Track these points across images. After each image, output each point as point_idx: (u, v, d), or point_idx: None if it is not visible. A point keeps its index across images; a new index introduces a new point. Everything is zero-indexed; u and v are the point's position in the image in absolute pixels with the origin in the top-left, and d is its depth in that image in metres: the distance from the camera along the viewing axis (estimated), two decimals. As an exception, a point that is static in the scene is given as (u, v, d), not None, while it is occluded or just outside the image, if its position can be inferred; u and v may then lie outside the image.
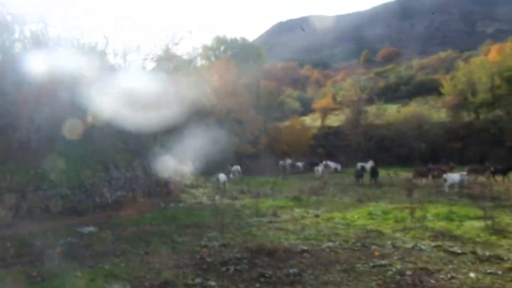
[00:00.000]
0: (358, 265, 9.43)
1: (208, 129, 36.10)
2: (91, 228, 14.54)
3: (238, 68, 44.50)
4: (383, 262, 9.57)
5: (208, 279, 8.32)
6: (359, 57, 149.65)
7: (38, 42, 17.50)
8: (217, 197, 22.93)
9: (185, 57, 32.05)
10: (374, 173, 28.61)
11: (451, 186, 22.98)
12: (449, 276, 8.53)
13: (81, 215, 17.31)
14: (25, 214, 15.99)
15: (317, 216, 17.30)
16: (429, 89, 70.30)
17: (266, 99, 49.03)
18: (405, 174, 32.70)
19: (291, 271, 8.76)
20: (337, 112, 52.31)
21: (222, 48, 46.16)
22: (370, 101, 50.60)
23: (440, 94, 52.75)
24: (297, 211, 18.68)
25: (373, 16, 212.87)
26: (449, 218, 15.27)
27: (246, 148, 41.77)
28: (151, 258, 10.34)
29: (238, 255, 10.44)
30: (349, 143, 46.61)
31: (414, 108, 48.17)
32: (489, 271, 8.86)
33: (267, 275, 8.51)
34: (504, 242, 11.84)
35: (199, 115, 35.03)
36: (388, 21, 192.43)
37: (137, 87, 21.64)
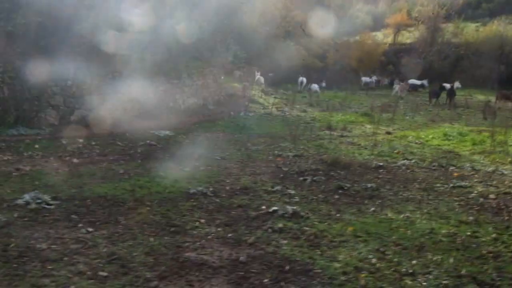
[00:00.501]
0: (438, 184, 9.12)
1: (277, 41, 35.42)
2: (167, 132, 14.85)
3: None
4: (463, 183, 9.19)
5: (287, 187, 8.33)
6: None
7: None
8: (286, 109, 22.83)
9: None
10: (451, 93, 27.30)
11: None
12: (536, 202, 8.09)
13: (156, 119, 17.74)
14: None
15: (388, 133, 16.91)
16: (514, 7, 64.92)
17: (336, 12, 46.81)
18: (481, 97, 31.17)
19: (369, 185, 8.60)
20: (411, 29, 49.50)
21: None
22: (448, 18, 47.35)
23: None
24: (368, 127, 18.35)
25: None
26: (532, 143, 14.44)
27: (314, 62, 40.83)
28: (228, 163, 10.48)
29: (313, 167, 10.37)
30: (421, 61, 44.41)
31: (496, 27, 44.70)
32: None
33: (345, 188, 8.41)
34: None
35: (268, 26, 34.13)
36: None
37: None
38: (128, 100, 17.25)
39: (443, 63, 43.65)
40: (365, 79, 39.59)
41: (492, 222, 6.79)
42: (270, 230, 6.02)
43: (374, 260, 5.14)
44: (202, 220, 6.33)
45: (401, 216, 6.88)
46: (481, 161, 12.03)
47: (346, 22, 45.87)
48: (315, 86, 29.92)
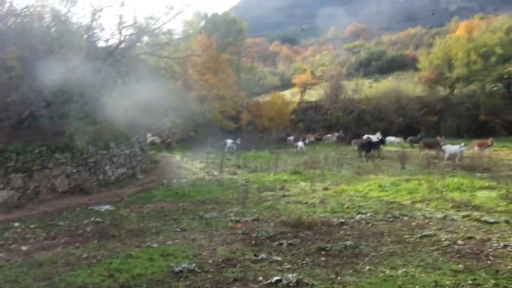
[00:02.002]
0: (406, 236, 9.38)
1: (191, 106, 35.55)
2: (108, 207, 14.06)
3: (219, 43, 43.81)
4: (427, 232, 9.54)
5: (271, 254, 8.11)
6: (326, 33, 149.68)
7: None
8: (215, 172, 22.65)
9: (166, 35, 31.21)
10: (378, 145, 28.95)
11: (450, 157, 23.38)
12: (501, 244, 8.56)
13: (87, 193, 16.83)
14: (32, 195, 15.39)
15: (326, 189, 17.30)
16: (400, 64, 71.38)
17: (246, 74, 48.49)
18: (390, 148, 33.16)
19: (347, 243, 8.64)
20: (316, 87, 52.37)
21: (202, 23, 45.16)
22: (348, 76, 50.89)
23: (414, 69, 53.62)
24: (303, 184, 18.63)
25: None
26: (459, 188, 15.45)
27: (229, 124, 41.40)
28: (192, 235, 10.03)
29: (279, 229, 10.25)
30: (328, 117, 46.82)
31: (391, 83, 48.66)
32: (536, 238, 8.94)
33: (326, 248, 8.37)
34: (526, 210, 12.06)
35: (181, 91, 34.29)
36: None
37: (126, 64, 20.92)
38: (56, 176, 16.28)
39: (348, 118, 46.31)
40: (289, 138, 41.01)
41: (481, 268, 7.06)
42: (285, 302, 5.76)
43: (407, 322, 5.07)
44: (210, 301, 5.92)
45: (399, 272, 6.93)
46: (426, 209, 12.60)
47: (255, 83, 47.53)
48: (229, 142, 31.68)
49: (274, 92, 47.90)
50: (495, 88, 45.84)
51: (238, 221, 11.46)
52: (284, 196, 15.85)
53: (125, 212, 13.36)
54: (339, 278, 6.77)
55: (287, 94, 51.86)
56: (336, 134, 41.09)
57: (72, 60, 17.62)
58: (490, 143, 27.11)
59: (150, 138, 29.86)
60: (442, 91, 48.37)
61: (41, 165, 15.76)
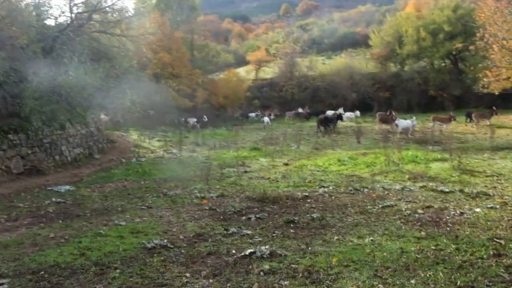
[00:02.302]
0: (368, 207, 9.71)
1: (146, 84, 34.93)
2: (67, 187, 13.74)
3: (172, 21, 43.07)
4: (388, 203, 9.91)
5: (241, 228, 8.22)
6: (278, 11, 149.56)
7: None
8: (175, 150, 22.51)
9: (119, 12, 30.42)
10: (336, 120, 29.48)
11: (403, 131, 24.10)
12: (458, 212, 9.01)
13: (43, 174, 16.39)
14: (-14, 176, 14.86)
15: (286, 164, 17.57)
16: (352, 41, 72.34)
17: (200, 52, 47.97)
18: (345, 123, 33.81)
19: (314, 215, 8.86)
20: (271, 65, 52.48)
21: (154, 0, 44.14)
22: (302, 53, 51.23)
23: (365, 46, 54.55)
24: (264, 161, 18.83)
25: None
26: (414, 161, 16.06)
27: (184, 102, 40.98)
28: (159, 212, 10.00)
29: (245, 205, 10.38)
30: (283, 94, 47.14)
31: (344, 59, 49.36)
32: (489, 205, 9.46)
33: (295, 221, 8.56)
34: (477, 180, 12.70)
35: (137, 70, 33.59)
36: None
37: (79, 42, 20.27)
38: (10, 157, 15.77)
39: (303, 94, 46.82)
40: (251, 114, 41.29)
41: (442, 234, 7.43)
42: (262, 273, 5.90)
43: (381, 286, 5.31)
44: (187, 274, 5.97)
45: (366, 240, 7.20)
46: (385, 181, 13.08)
47: (210, 61, 47.15)
48: (192, 120, 31.69)
49: (229, 69, 47.71)
50: (443, 64, 47.37)
51: (203, 198, 11.50)
52: (245, 172, 15.98)
53: (86, 192, 13.12)
54: (309, 248, 6.96)
55: (242, 71, 51.80)
56: (300, 110, 41.41)
57: (22, 39, 16.94)
58: (451, 119, 28.05)
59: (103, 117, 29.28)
60: (393, 68, 49.61)
61: (-6, 147, 15.22)
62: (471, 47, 35.23)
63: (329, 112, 34.35)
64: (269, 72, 52.49)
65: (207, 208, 10.22)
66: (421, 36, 44.26)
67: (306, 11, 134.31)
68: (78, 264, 6.55)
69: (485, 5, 32.06)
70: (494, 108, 30.57)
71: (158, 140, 26.52)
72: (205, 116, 36.43)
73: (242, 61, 59.53)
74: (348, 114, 36.90)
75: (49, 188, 13.67)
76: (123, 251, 7.13)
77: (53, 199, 11.82)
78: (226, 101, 44.34)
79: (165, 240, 7.53)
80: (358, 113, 37.97)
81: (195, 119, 34.48)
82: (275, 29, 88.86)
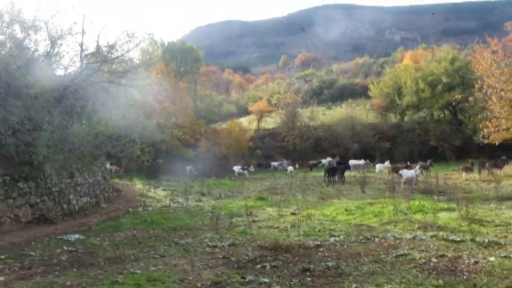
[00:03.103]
0: (382, 255, 9.77)
1: (152, 133, 35.31)
2: (77, 236, 13.75)
3: (176, 72, 44.09)
4: (401, 252, 9.97)
5: (257, 276, 8.26)
6: (277, 62, 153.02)
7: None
8: (180, 200, 22.56)
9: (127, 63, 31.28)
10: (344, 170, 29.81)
11: (407, 181, 24.24)
12: (472, 261, 9.06)
13: (52, 223, 16.40)
14: (-5, 225, 14.85)
15: (293, 214, 17.59)
16: (351, 92, 73.72)
17: (203, 102, 48.77)
18: (347, 173, 33.94)
19: (329, 264, 8.92)
20: (273, 115, 53.24)
21: (159, 51, 45.33)
22: (303, 103, 52.14)
23: (365, 96, 55.58)
24: (270, 210, 18.88)
25: (290, 22, 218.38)
26: (422, 211, 16.13)
27: (188, 151, 41.30)
28: (173, 261, 10.02)
29: (257, 253, 10.42)
30: (285, 144, 47.57)
31: (345, 110, 50.12)
32: (502, 255, 9.51)
33: (311, 269, 8.60)
34: (487, 229, 12.75)
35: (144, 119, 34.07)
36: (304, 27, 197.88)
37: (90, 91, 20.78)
38: (19, 205, 15.83)
39: (305, 144, 47.21)
40: (273, 163, 42.00)
41: (460, 283, 7.49)
42: (288, 321, 5.94)
43: (406, 333, 5.35)
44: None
45: (384, 289, 7.25)
46: (394, 230, 13.12)
47: (212, 111, 47.86)
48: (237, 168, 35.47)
49: (231, 119, 48.38)
50: (442, 115, 48.13)
51: (215, 246, 11.53)
52: (254, 221, 16.00)
53: (96, 240, 13.12)
54: (329, 296, 7.01)
55: (244, 121, 52.49)
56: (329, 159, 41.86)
57: (35, 88, 17.36)
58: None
59: (109, 167, 29.48)
60: (394, 118, 50.36)
61: (4, 195, 15.28)
62: (470, 98, 36.02)
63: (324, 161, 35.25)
64: (270, 122, 53.21)
65: (220, 256, 10.25)
66: (420, 87, 45.20)
67: (305, 63, 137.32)
68: (98, 313, 6.59)
69: (482, 58, 33.05)
70: (504, 158, 30.85)
71: (163, 189, 26.61)
72: (200, 164, 37.34)
73: (243, 111, 60.38)
74: (354, 162, 37.23)
75: (59, 237, 13.66)
76: (142, 299, 7.17)
77: (65, 248, 11.83)
78: (229, 150, 44.65)
79: (184, 289, 7.58)
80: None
81: (190, 167, 35.76)
82: (275, 80, 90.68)
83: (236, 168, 36.40)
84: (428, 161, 31.03)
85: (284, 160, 42.67)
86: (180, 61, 46.18)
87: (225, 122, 49.46)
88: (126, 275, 8.71)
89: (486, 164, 29.57)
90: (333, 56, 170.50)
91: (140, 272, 8.91)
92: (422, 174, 29.22)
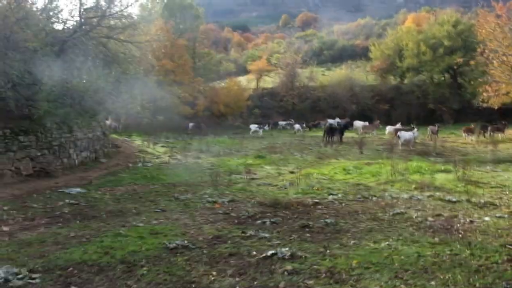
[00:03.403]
0: (379, 214, 9.94)
1: (152, 90, 35.20)
2: (78, 189, 13.89)
3: (175, 29, 43.52)
4: (398, 210, 10.14)
5: (258, 231, 8.42)
6: (277, 22, 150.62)
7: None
8: (179, 156, 22.70)
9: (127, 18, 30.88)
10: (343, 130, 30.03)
11: (405, 143, 24.39)
12: (468, 220, 9.24)
13: (52, 176, 16.53)
14: (-5, 177, 14.99)
15: (292, 172, 17.75)
16: (351, 54, 73.02)
17: (202, 60, 48.32)
18: (350, 134, 34.11)
19: (328, 221, 9.08)
20: (272, 74, 52.91)
21: (158, 7, 44.53)
22: (303, 63, 51.75)
23: (365, 58, 55.14)
24: (269, 168, 19.03)
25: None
26: (419, 172, 16.31)
27: (186, 109, 41.21)
28: (174, 215, 10.18)
29: (257, 209, 10.59)
30: (284, 104, 47.47)
31: (345, 71, 49.82)
32: (497, 215, 9.70)
33: (310, 225, 8.77)
34: (482, 191, 12.93)
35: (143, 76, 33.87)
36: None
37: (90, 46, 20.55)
38: (20, 159, 15.93)
39: (303, 105, 47.14)
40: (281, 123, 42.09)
41: (455, 241, 7.65)
42: (286, 273, 6.11)
43: (403, 286, 5.53)
44: (213, 273, 6.18)
45: (382, 245, 7.43)
46: (392, 190, 13.30)
47: (211, 70, 47.52)
48: (254, 126, 36.63)
49: (230, 78, 48.08)
50: (442, 79, 47.94)
51: (215, 202, 11.69)
52: (252, 179, 16.16)
53: (97, 194, 13.27)
54: (328, 251, 7.17)
55: (243, 80, 52.15)
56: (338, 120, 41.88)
57: (34, 42, 17.16)
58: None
59: (108, 122, 29.46)
60: (393, 80, 50.15)
61: (4, 148, 15.36)
62: (471, 62, 35.81)
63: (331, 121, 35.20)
64: (269, 82, 52.92)
65: (220, 212, 10.42)
66: (422, 50, 44.81)
67: (306, 23, 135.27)
68: (104, 262, 6.74)
69: (485, 21, 32.67)
70: (504, 122, 30.93)
71: (162, 146, 26.68)
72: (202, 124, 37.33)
73: (242, 70, 59.93)
74: (359, 123, 37.46)
75: (60, 190, 13.81)
76: (145, 250, 7.32)
77: (66, 201, 11.97)
78: (227, 109, 44.60)
79: (186, 241, 7.73)
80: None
81: (192, 124, 35.95)
82: (275, 40, 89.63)
83: (253, 127, 36.52)
84: (436, 125, 31.05)
85: (292, 120, 42.54)
86: (179, 18, 45.50)
87: (224, 81, 49.11)
88: (129, 228, 8.87)
89: (489, 127, 29.71)
90: (334, 17, 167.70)
91: (142, 225, 9.08)
92: (431, 138, 29.36)
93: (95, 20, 22.03)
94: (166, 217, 9.99)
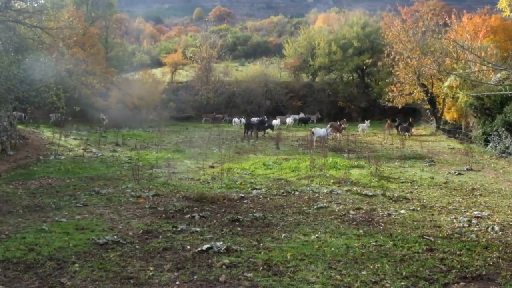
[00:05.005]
0: (304, 207, 10.27)
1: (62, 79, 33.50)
2: (-14, 183, 12.97)
3: (87, 16, 41.68)
4: (321, 204, 10.53)
5: (189, 225, 8.37)
6: (191, 14, 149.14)
7: None
8: (94, 150, 21.83)
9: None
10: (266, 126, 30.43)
11: (318, 139, 25.23)
12: (386, 213, 9.82)
13: (-46, 169, 15.29)
14: None
15: (212, 167, 17.77)
16: (264, 50, 74.06)
17: (115, 50, 46.59)
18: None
19: (256, 215, 9.23)
20: (187, 68, 52.30)
21: (69, -7, 42.28)
22: (219, 58, 51.75)
23: (279, 55, 56.21)
24: (188, 163, 18.87)
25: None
26: (335, 167, 16.95)
27: (98, 100, 39.61)
28: (97, 210, 9.83)
29: (184, 204, 10.51)
30: (199, 98, 47.11)
31: (259, 67, 50.39)
32: (411, 208, 10.40)
33: (240, 219, 8.86)
34: (394, 185, 13.76)
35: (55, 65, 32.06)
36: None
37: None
38: None
39: (218, 99, 47.12)
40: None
41: (378, 232, 8.14)
42: (224, 266, 6.15)
43: (338, 277, 5.79)
44: (150, 268, 6.08)
45: (312, 237, 7.71)
46: (312, 185, 13.72)
47: (125, 61, 46.09)
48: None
49: (144, 70, 46.79)
50: (351, 78, 50.14)
51: (139, 197, 11.45)
52: (174, 173, 15.95)
53: (9, 188, 12.47)
54: (261, 244, 7.32)
55: (157, 73, 50.95)
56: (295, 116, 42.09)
57: None
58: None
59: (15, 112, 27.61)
60: (306, 78, 51.55)
61: None
62: (379, 63, 37.73)
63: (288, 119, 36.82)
64: (184, 75, 52.25)
65: (146, 206, 10.22)
66: (332, 49, 46.47)
67: (219, 17, 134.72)
68: (30, 259, 6.40)
69: (391, 25, 34.69)
70: (410, 120, 32.83)
71: (75, 139, 25.46)
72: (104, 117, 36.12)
73: (156, 63, 58.52)
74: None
75: (-34, 184, 12.83)
76: (74, 246, 7.04)
77: (-25, 195, 11.16)
78: (141, 102, 43.31)
79: (115, 236, 7.52)
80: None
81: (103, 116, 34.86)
82: (188, 33, 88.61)
83: (255, 119, 35.33)
84: (408, 122, 32.29)
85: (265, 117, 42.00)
86: (91, 5, 43.56)
87: (137, 73, 47.71)
88: (52, 223, 8.46)
89: (400, 127, 31.55)
90: (247, 13, 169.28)
91: (66, 221, 8.69)
92: (404, 135, 30.48)
93: (1, 2, 20.56)
94: (90, 212, 9.63)
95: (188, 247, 7.07)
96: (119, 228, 8.24)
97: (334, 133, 28.53)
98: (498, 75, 22.32)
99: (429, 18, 32.96)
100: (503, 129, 20.93)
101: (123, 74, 46.16)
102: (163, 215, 9.41)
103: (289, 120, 38.92)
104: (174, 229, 8.18)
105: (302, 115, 42.13)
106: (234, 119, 39.18)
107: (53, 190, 12.38)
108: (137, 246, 7.10)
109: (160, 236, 7.73)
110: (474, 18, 34.39)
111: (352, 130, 32.63)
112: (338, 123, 30.20)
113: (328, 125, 28.39)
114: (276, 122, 35.13)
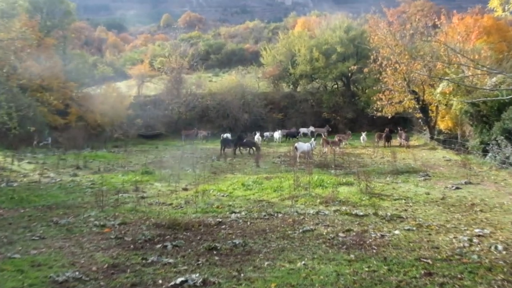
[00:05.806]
0: (288, 231, 10.21)
1: (14, 96, 33.09)
2: None
3: (42, 26, 41.36)
4: (307, 227, 10.49)
5: (160, 256, 8.22)
6: (158, 21, 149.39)
7: None
8: (52, 174, 21.47)
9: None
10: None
11: (302, 154, 25.27)
12: (378, 234, 9.81)
13: None
14: None
15: (185, 189, 17.63)
16: (240, 58, 74.51)
17: (74, 62, 46.21)
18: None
19: (235, 242, 9.13)
20: (155, 80, 52.13)
21: (21, 1, 41.89)
22: (190, 69, 51.69)
23: (256, 63, 56.52)
24: (159, 185, 18.71)
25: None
26: (321, 185, 16.97)
27: (56, 118, 39.17)
28: (56, 243, 9.62)
29: (154, 232, 10.36)
30: (169, 113, 46.94)
31: (235, 77, 50.45)
32: (406, 228, 10.42)
33: (217, 248, 8.75)
34: (387, 203, 13.81)
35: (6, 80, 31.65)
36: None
37: None
38: None
39: (191, 114, 47.04)
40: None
41: (371, 256, 8.11)
42: (202, 302, 6.03)
43: (328, 308, 5.71)
44: (119, 308, 5.92)
45: (298, 265, 7.66)
46: (296, 206, 13.69)
47: (85, 74, 45.70)
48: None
49: (108, 83, 46.45)
50: (335, 86, 50.62)
51: (103, 226, 11.26)
52: (142, 198, 15.79)
53: (-45, 221, 12.13)
54: (242, 275, 7.22)
55: (122, 86, 50.65)
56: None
57: None
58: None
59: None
60: (286, 88, 51.89)
61: None
62: (365, 70, 38.24)
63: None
64: (153, 88, 52.03)
65: (112, 237, 10.04)
66: (314, 56, 46.95)
67: (190, 24, 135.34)
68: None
69: (377, 28, 35.17)
70: (400, 128, 33.30)
71: (29, 163, 25.04)
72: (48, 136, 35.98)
73: (121, 75, 58.31)
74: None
75: None
76: (29, 286, 6.87)
77: None
78: (105, 119, 42.95)
79: (77, 273, 7.34)
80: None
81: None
82: (156, 41, 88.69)
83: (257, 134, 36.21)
84: (404, 135, 32.64)
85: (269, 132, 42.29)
86: (46, 13, 43.26)
87: (100, 87, 47.38)
88: (3, 260, 8.24)
89: (384, 136, 32.07)
90: (220, 18, 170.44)
91: (19, 257, 8.48)
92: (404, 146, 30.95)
93: None
94: (47, 245, 9.41)
95: (160, 281, 6.93)
96: (81, 263, 8.06)
97: (325, 148, 28.74)
98: (494, 79, 22.76)
99: (417, 19, 33.48)
100: (502, 137, 21.25)
101: (83, 89, 45.72)
102: (131, 246, 9.24)
103: (277, 134, 39.09)
104: (143, 261, 8.04)
105: (295, 129, 42.59)
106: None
107: (5, 222, 12.08)
108: (101, 283, 6.94)
109: (128, 270, 7.58)
110: (466, 19, 35.11)
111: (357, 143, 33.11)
112: (337, 137, 30.73)
113: (313, 139, 28.52)
114: (256, 137, 35.06)
